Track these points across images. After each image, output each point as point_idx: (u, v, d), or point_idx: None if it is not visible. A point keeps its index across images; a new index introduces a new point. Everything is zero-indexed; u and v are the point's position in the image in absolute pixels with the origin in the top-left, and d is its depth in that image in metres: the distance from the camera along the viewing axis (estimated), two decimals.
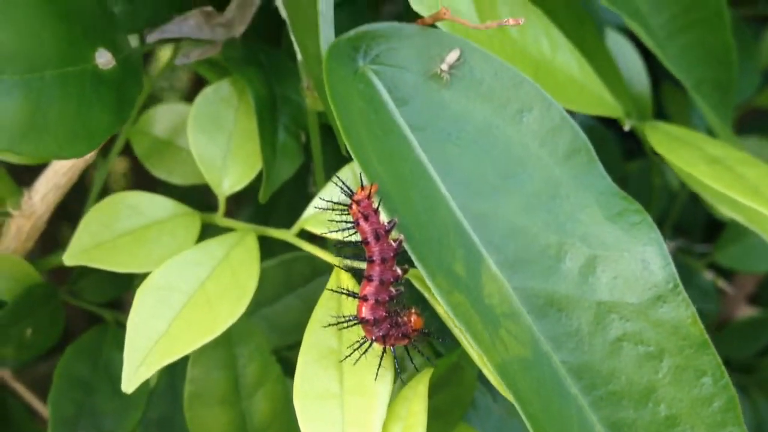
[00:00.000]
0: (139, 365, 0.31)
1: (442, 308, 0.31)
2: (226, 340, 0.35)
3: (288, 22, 0.34)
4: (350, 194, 0.29)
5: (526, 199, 0.32)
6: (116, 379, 0.39)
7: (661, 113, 0.54)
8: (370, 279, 0.28)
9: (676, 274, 0.30)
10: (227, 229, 0.36)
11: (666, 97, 0.55)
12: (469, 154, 0.32)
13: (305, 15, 0.32)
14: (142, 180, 0.61)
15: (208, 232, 0.37)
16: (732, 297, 0.59)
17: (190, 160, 0.41)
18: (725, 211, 0.37)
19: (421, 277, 0.31)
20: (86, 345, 0.40)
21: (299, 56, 0.35)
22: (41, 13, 0.29)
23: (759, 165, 0.33)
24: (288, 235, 0.35)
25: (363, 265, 0.30)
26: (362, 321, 0.28)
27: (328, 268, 0.42)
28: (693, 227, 0.59)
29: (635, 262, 0.31)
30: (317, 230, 0.33)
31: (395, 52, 0.32)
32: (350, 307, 0.30)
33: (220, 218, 0.37)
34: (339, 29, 0.31)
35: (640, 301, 0.30)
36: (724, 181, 0.31)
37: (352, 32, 0.31)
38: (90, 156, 0.38)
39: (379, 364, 0.29)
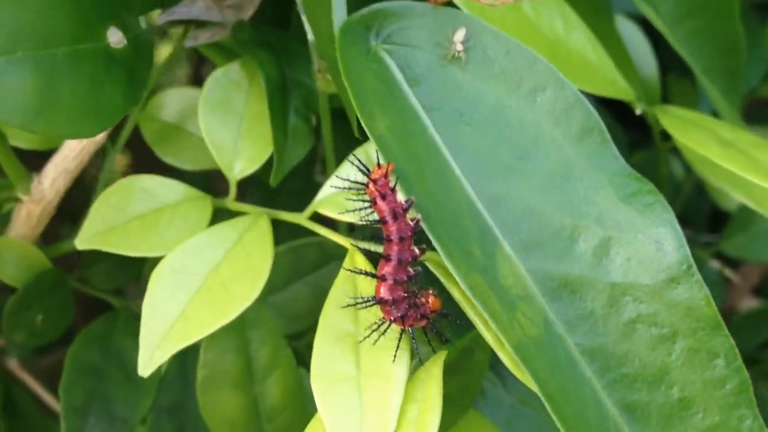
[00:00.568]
0: (155, 349, 0.31)
1: (457, 290, 0.31)
2: (239, 325, 0.35)
3: (299, 2, 0.34)
4: (367, 173, 0.29)
5: (539, 180, 0.32)
6: (127, 366, 0.39)
7: (667, 103, 0.54)
8: (388, 258, 0.28)
9: (690, 255, 0.30)
10: (238, 215, 0.36)
11: (672, 88, 0.55)
12: (483, 134, 0.32)
13: None
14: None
15: (218, 217, 0.37)
16: (737, 288, 0.59)
17: (199, 145, 0.41)
18: (736, 196, 0.37)
19: (435, 259, 0.31)
20: (97, 332, 0.39)
21: (310, 38, 0.35)
22: None
23: None
24: (301, 219, 0.35)
25: (378, 248, 0.30)
26: (380, 301, 0.28)
27: (338, 255, 0.42)
28: (698, 218, 0.59)
29: (649, 243, 0.31)
30: (331, 213, 0.33)
31: (408, 31, 0.32)
32: (366, 289, 0.30)
33: (231, 202, 0.36)
34: (350, 8, 0.31)
35: (654, 282, 0.30)
36: (737, 162, 0.31)
37: (364, 11, 0.31)
38: (100, 139, 0.38)
39: (398, 346, 0.29)
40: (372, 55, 0.32)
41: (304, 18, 0.34)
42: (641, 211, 0.31)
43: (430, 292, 0.29)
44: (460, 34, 0.32)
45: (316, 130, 0.39)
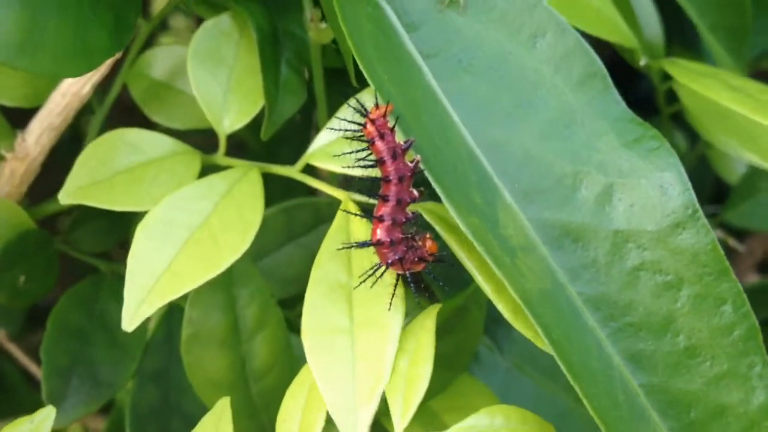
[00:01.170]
0: (140, 303, 0.30)
1: (454, 239, 0.29)
2: (226, 281, 0.33)
3: None
4: (365, 113, 0.28)
5: (540, 127, 0.31)
6: (112, 330, 0.38)
7: None
8: (385, 199, 0.27)
9: (695, 199, 0.29)
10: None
11: (675, 56, 0.54)
12: (482, 81, 0.31)
13: None
14: None
15: (207, 174, 0.36)
16: (741, 264, 0.58)
17: (189, 103, 0.39)
18: (743, 154, 0.36)
19: (430, 208, 0.30)
20: (82, 294, 0.38)
21: None
22: None
23: None
24: (293, 172, 0.33)
25: (373, 202, 0.29)
26: (377, 243, 0.27)
27: (331, 216, 0.41)
28: (701, 190, 0.58)
29: (653, 188, 0.30)
30: (324, 164, 0.32)
31: None
32: (361, 238, 0.29)
33: (221, 157, 0.35)
34: None
35: (659, 228, 0.29)
36: (747, 105, 0.30)
37: None
38: (85, 93, 0.37)
39: (393, 293, 0.28)
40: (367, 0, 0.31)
41: None
42: (645, 156, 0.30)
43: (428, 235, 0.28)
44: None
45: (309, 88, 0.38)
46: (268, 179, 0.34)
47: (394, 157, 0.27)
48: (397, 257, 0.27)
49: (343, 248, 0.28)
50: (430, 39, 0.31)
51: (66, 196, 0.33)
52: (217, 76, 0.35)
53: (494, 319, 0.37)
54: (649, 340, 0.29)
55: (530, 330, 0.29)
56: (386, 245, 0.27)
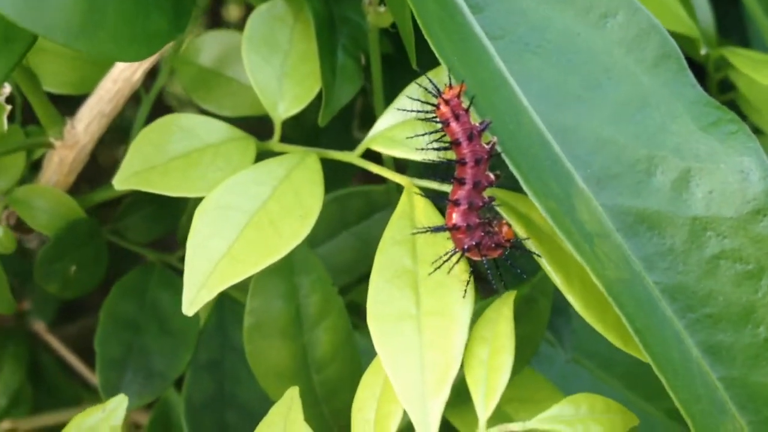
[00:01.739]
0: (200, 288, 0.29)
1: (524, 227, 0.29)
2: (288, 270, 0.33)
3: None
4: (438, 93, 0.27)
5: (612, 110, 0.30)
6: (164, 319, 0.37)
7: None
8: (461, 182, 0.26)
9: None
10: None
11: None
12: (550, 63, 0.30)
13: None
14: None
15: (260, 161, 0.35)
16: None
17: (240, 91, 0.39)
18: None
19: (498, 195, 0.29)
20: (132, 284, 0.38)
21: None
22: None
23: None
24: (352, 157, 0.33)
25: (438, 186, 0.28)
26: (453, 228, 0.26)
27: (385, 205, 0.40)
28: None
29: (732, 173, 0.28)
30: (386, 149, 0.31)
31: None
32: (426, 223, 0.28)
33: (276, 144, 0.34)
34: None
35: (739, 215, 0.28)
36: None
37: None
38: (135, 81, 0.36)
39: (468, 281, 0.27)
40: None
41: None
42: (723, 140, 0.29)
43: (504, 221, 0.27)
44: None
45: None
46: None
47: (470, 138, 0.26)
48: (473, 243, 0.26)
49: (416, 233, 0.27)
50: (496, 20, 0.30)
51: (121, 182, 0.33)
52: (272, 62, 0.34)
53: (554, 310, 0.36)
54: (729, 331, 0.28)
55: (601, 322, 0.28)
56: (462, 230, 0.26)
